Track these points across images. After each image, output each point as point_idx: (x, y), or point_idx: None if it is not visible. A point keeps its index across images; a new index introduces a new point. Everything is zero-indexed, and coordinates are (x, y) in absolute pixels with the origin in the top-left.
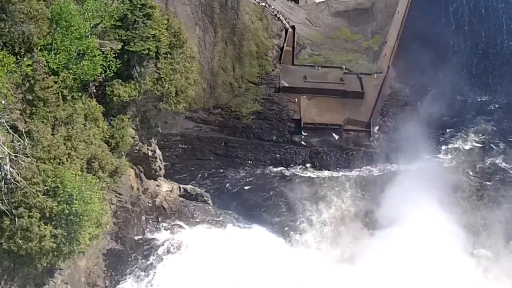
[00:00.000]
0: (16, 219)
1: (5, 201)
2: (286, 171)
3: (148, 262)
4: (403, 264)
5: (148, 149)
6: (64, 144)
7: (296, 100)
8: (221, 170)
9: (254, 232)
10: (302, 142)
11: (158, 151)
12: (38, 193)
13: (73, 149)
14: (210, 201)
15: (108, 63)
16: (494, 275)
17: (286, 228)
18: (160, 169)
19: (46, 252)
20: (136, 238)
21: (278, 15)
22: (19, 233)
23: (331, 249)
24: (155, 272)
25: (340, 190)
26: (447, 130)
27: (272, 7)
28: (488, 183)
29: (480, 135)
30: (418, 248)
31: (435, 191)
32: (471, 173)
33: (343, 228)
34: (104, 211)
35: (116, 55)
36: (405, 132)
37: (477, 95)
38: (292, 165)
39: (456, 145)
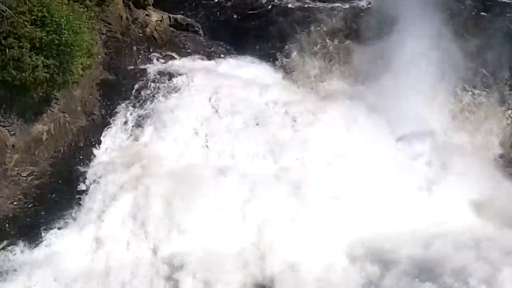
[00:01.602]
0: (7, 49)
1: None
2: (279, 0)
3: (142, 91)
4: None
5: None
6: None
7: None
8: None
9: (245, 62)
10: None
11: None
12: (26, 23)
13: None
14: (201, 32)
15: None
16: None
17: (277, 53)
18: None
19: (40, 82)
20: (128, 68)
21: None
22: (11, 64)
23: (318, 66)
24: (149, 100)
25: (334, 14)
26: None
27: None
28: (485, 13)
29: None
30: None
31: (434, 18)
32: (470, 3)
33: (331, 46)
34: (94, 41)
35: None
36: None
37: None
38: None
39: None
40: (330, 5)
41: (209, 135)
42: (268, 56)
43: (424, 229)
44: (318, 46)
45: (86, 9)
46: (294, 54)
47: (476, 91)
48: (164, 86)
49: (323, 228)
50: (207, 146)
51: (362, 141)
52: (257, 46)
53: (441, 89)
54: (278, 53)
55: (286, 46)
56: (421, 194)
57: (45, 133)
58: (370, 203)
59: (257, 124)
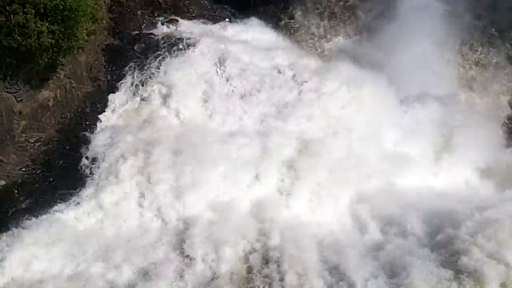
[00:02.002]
0: (12, 15)
1: None
2: None
3: (147, 56)
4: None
5: None
6: None
7: None
8: None
9: (250, 25)
10: None
11: None
12: None
13: None
14: None
15: None
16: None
17: (282, 14)
18: None
19: (45, 48)
20: (133, 33)
21: None
22: (16, 30)
23: (322, 26)
24: (155, 65)
25: None
26: None
27: None
28: None
29: None
30: None
31: None
32: None
33: (336, 5)
34: (98, 6)
35: None
36: None
37: None
38: None
39: None
40: None
41: (216, 98)
42: (273, 19)
43: (430, 193)
44: (323, 6)
45: None
46: (299, 14)
47: (484, 50)
48: (170, 51)
49: (328, 190)
50: (214, 109)
51: (369, 103)
52: (262, 8)
53: (448, 47)
54: (283, 15)
55: (290, 7)
56: (427, 159)
57: (51, 99)
58: (376, 166)
59: (263, 88)
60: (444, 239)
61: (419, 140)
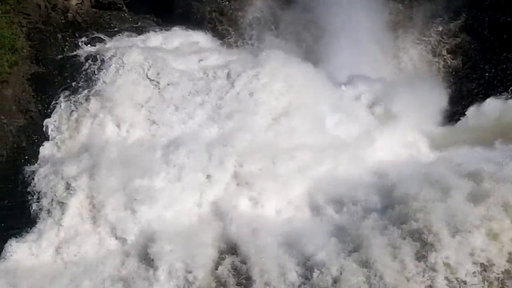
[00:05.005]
0: None
1: None
2: None
3: (76, 78)
4: None
5: None
6: None
7: None
8: None
9: (175, 31)
10: None
11: None
12: None
13: None
14: (124, 8)
15: None
16: None
17: (207, 12)
18: None
19: None
20: (57, 57)
21: None
22: None
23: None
24: (85, 86)
25: None
26: None
27: None
28: None
29: None
30: None
31: None
32: None
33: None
34: (16, 35)
35: None
36: None
37: None
38: None
39: None
40: None
41: (153, 109)
42: (198, 19)
43: (378, 165)
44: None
45: (0, 3)
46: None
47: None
48: (98, 70)
49: (280, 181)
50: (153, 121)
51: (305, 91)
52: (182, 10)
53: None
54: (205, 7)
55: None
56: (372, 132)
57: None
58: (322, 150)
59: (200, 92)
60: (397, 209)
61: (359, 118)
